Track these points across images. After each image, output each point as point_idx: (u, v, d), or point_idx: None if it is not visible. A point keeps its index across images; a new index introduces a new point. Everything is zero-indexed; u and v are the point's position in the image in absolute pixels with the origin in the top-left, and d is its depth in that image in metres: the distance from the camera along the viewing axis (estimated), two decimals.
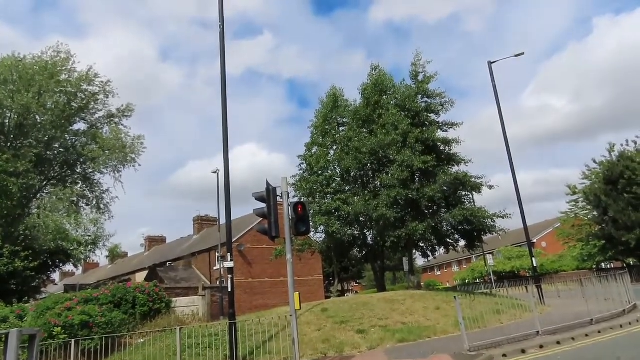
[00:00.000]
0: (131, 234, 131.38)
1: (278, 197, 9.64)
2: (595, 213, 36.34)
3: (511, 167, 19.22)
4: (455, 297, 10.68)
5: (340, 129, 25.29)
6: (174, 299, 18.50)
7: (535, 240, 61.35)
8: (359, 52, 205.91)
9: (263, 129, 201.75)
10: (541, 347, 9.59)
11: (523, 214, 18.99)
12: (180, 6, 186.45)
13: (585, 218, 38.64)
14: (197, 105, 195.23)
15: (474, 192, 21.50)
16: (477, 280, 54.20)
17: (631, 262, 37.59)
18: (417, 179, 21.06)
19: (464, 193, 21.38)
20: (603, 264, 42.42)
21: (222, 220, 46.75)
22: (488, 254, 43.88)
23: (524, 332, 10.56)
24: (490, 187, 20.73)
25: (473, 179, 20.62)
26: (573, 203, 38.91)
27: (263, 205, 9.63)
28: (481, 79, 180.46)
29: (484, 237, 22.23)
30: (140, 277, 37.99)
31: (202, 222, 44.27)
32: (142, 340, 14.62)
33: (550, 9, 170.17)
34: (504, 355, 9.10)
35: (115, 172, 28.71)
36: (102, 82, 28.63)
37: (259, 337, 12.51)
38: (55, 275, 52.57)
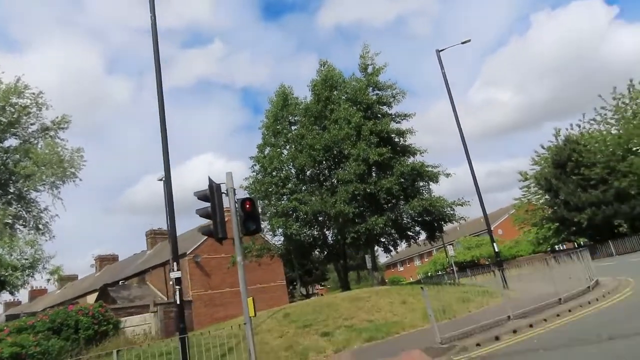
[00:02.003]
0: (85, 256, 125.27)
1: (223, 194, 8.68)
2: (547, 197, 37.32)
3: (466, 153, 19.04)
4: (422, 287, 10.06)
5: (292, 127, 24.47)
6: (123, 319, 17.06)
7: (492, 228, 62.91)
8: (311, 56, 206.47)
9: (219, 138, 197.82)
10: (514, 332, 9.11)
11: (481, 199, 18.87)
12: (123, 16, 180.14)
13: (538, 203, 39.63)
14: (147, 118, 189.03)
15: (431, 182, 21.19)
16: (439, 272, 54.83)
17: (581, 242, 38.83)
18: (374, 173, 20.53)
19: (421, 184, 21.03)
20: (557, 246, 43.77)
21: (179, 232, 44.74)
22: (448, 245, 44.35)
23: (494, 318, 10.08)
24: (447, 175, 20.48)
25: (430, 169, 20.33)
26: (525, 189, 39.84)
27: (207, 204, 8.64)
28: (429, 78, 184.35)
29: (445, 227, 21.99)
30: (92, 299, 35.61)
31: (155, 236, 42.10)
32: None
33: (491, 7, 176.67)
34: (478, 345, 8.53)
35: (54, 189, 26.76)
36: (33, 93, 26.68)
37: (217, 350, 11.46)
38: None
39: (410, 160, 20.84)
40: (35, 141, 27.68)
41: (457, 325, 10.04)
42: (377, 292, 16.36)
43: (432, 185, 21.64)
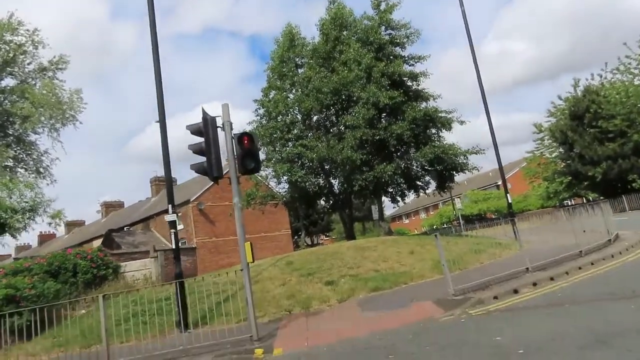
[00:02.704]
0: (93, 203, 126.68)
1: (219, 129, 7.79)
2: (561, 150, 36.12)
3: (483, 98, 17.79)
4: (436, 235, 9.30)
5: (299, 70, 23.16)
6: (123, 264, 16.74)
7: (500, 182, 62.02)
8: (320, 3, 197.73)
9: (227, 87, 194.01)
10: (534, 284, 8.41)
11: (497, 149, 17.80)
12: None
13: (551, 156, 38.46)
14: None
15: (443, 130, 20.09)
16: (445, 225, 54.60)
17: (590, 198, 37.91)
18: (384, 119, 19.43)
19: (433, 131, 19.94)
20: (566, 202, 42.96)
21: (181, 181, 44.26)
22: (456, 197, 43.77)
23: (511, 270, 9.38)
24: (462, 122, 19.34)
25: (443, 114, 19.16)
26: (539, 141, 38.54)
27: (201, 139, 7.78)
28: (440, 30, 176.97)
29: (455, 177, 21.03)
30: (97, 244, 35.81)
31: (159, 183, 41.67)
32: (83, 311, 12.91)
33: None
34: (495, 297, 7.85)
35: (53, 131, 26.10)
36: (28, 30, 25.44)
37: (215, 297, 11.00)
38: (11, 250, 49.36)
39: (423, 105, 19.65)
40: (33, 82, 26.78)
41: (469, 277, 9.40)
42: (384, 242, 15.78)
43: (444, 134, 20.62)
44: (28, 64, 26.54)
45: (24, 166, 27.01)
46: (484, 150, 18.82)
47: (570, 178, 34.91)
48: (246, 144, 7.62)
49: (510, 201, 17.60)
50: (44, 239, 56.81)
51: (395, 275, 11.56)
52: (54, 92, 26.03)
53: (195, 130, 7.75)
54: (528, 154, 40.61)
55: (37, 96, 24.77)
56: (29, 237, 56.16)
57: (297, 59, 23.17)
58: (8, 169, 25.24)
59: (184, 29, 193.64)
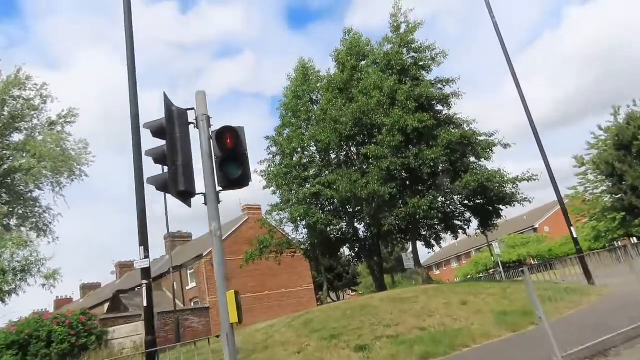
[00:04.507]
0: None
1: (191, 125, 5.30)
2: (608, 183, 32.61)
3: (533, 129, 15.08)
4: (522, 270, 6.35)
5: (314, 106, 21.11)
6: (110, 329, 13.99)
7: (537, 226, 57.69)
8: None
9: (252, 145, 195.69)
10: None
11: (554, 181, 14.77)
12: (157, 30, 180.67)
13: (595, 192, 34.84)
14: None
15: (482, 159, 17.25)
16: (481, 275, 50.23)
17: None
18: (412, 146, 16.80)
19: (472, 159, 17.11)
20: (616, 242, 38.69)
21: (198, 235, 41.95)
22: (493, 242, 40.16)
23: (632, 324, 6.31)
24: (505, 145, 16.51)
25: (483, 138, 16.43)
26: (581, 176, 35.05)
27: (162, 142, 5.29)
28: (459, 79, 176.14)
29: (503, 211, 17.69)
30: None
31: (173, 240, 39.40)
32: None
33: (521, 4, 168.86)
34: None
35: (56, 185, 24.49)
36: (36, 84, 24.52)
37: None
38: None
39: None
40: (41, 137, 25.54)
41: (561, 333, 6.38)
42: (425, 292, 12.75)
43: (484, 163, 17.77)
44: (36, 119, 25.50)
45: (28, 224, 25.28)
46: (537, 175, 15.84)
47: (623, 214, 31.16)
48: (229, 142, 5.10)
49: (575, 236, 14.46)
50: (60, 303, 54.59)
51: (449, 335, 8.54)
52: (58, 144, 24.73)
53: (158, 129, 5.30)
54: (570, 191, 36.99)
55: (39, 148, 23.34)
56: (46, 302, 54.18)
57: (311, 94, 21.25)
58: (7, 227, 23.47)
59: (211, 93, 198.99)
